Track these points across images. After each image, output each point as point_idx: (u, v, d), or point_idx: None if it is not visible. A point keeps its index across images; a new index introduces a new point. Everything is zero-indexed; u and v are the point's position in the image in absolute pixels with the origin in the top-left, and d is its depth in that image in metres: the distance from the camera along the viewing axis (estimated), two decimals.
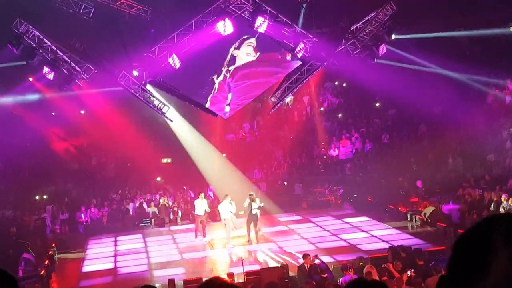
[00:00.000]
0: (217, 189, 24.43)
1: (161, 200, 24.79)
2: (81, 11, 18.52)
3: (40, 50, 18.88)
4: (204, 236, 19.89)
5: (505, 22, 22.46)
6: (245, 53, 21.32)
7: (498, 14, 22.74)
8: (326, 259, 15.24)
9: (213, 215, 21.91)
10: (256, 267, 15.60)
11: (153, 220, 23.99)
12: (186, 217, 23.94)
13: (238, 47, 21.14)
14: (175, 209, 24.47)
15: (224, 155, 27.47)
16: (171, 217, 24.22)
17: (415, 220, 20.01)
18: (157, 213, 24.26)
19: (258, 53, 21.14)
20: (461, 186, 20.10)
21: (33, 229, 21.68)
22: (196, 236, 20.09)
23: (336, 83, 32.33)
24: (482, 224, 1.36)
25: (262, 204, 19.62)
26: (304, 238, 19.62)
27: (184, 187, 26.50)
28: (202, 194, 20.89)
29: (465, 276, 1.32)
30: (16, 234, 20.25)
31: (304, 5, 20.14)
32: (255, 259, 17.45)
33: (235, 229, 19.54)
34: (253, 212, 18.94)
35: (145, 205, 24.72)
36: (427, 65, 24.64)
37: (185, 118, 24.56)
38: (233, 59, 21.39)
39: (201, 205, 19.96)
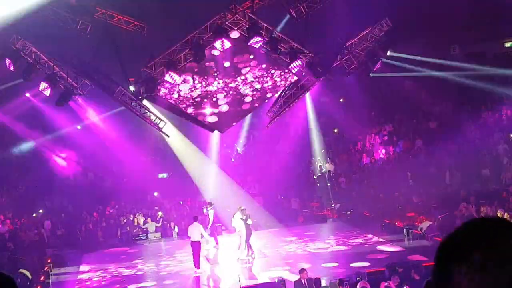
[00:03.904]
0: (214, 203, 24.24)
1: (159, 213, 24.75)
2: (78, 27, 18.58)
3: (37, 66, 18.95)
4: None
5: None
6: None
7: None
8: (322, 273, 15.21)
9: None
10: (253, 282, 15.56)
11: (151, 234, 23.84)
12: (182, 232, 23.77)
13: None
14: (172, 224, 24.40)
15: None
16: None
17: (412, 235, 20.00)
18: (159, 226, 24.16)
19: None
20: (457, 203, 20.07)
21: (30, 245, 21.57)
22: (198, 267, 17.95)
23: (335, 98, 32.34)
24: (459, 230, 1.36)
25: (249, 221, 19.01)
26: (300, 252, 19.60)
27: (181, 202, 26.44)
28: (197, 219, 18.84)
29: (437, 282, 1.35)
30: (12, 250, 20.16)
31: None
32: (252, 274, 17.40)
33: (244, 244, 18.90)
34: (249, 222, 18.80)
35: (141, 220, 24.63)
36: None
37: (181, 133, 24.58)
38: None
39: (196, 230, 18.23)
